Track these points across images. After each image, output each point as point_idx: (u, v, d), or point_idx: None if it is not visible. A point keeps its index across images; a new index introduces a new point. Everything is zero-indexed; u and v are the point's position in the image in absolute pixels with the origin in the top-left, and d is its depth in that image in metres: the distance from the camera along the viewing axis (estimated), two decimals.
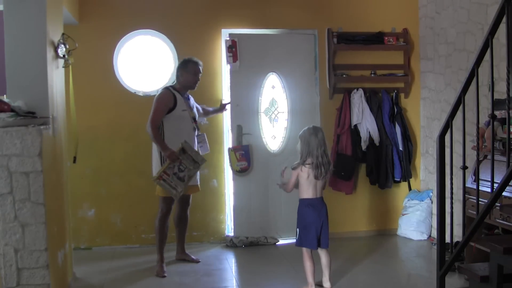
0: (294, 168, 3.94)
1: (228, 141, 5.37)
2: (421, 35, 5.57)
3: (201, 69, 4.58)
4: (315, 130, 3.91)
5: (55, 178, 3.64)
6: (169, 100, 4.42)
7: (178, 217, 4.71)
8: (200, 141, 4.62)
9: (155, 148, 4.47)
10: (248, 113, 5.37)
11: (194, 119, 4.57)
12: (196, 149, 4.53)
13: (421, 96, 5.60)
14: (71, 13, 4.60)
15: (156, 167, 4.46)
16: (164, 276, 4.33)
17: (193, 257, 4.76)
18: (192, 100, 4.67)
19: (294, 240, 4.02)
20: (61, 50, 3.80)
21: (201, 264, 4.70)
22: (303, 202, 3.93)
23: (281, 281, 4.28)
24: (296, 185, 3.97)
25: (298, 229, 3.93)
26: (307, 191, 3.90)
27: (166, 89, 4.53)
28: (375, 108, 5.40)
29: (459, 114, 3.21)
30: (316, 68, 5.49)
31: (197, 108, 4.72)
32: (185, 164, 4.33)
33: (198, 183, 4.66)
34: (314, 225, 3.87)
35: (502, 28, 2.90)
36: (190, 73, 4.51)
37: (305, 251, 3.92)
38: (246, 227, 5.35)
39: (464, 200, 3.21)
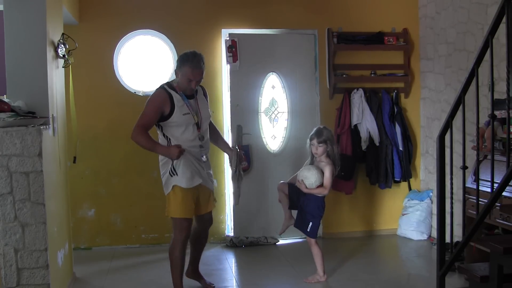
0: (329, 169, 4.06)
1: (228, 141, 5.35)
2: (421, 35, 5.57)
3: (199, 74, 3.60)
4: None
5: (55, 178, 3.64)
6: (162, 102, 3.57)
7: (197, 234, 3.98)
8: (204, 154, 3.79)
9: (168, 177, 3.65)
10: (248, 113, 5.37)
11: (197, 125, 3.66)
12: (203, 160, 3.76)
13: (421, 96, 5.60)
14: (71, 13, 4.59)
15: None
16: None
17: (207, 281, 4.11)
18: (201, 99, 3.77)
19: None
20: (61, 50, 3.80)
21: (201, 264, 4.68)
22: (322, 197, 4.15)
23: (281, 281, 4.28)
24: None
25: (312, 222, 4.10)
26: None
27: (161, 88, 3.67)
28: (375, 108, 5.40)
29: (459, 114, 3.21)
30: (316, 68, 5.49)
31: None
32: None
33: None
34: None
35: (502, 28, 2.90)
36: (184, 76, 3.60)
37: (316, 242, 4.13)
38: (246, 227, 5.35)
39: (464, 200, 3.21)
